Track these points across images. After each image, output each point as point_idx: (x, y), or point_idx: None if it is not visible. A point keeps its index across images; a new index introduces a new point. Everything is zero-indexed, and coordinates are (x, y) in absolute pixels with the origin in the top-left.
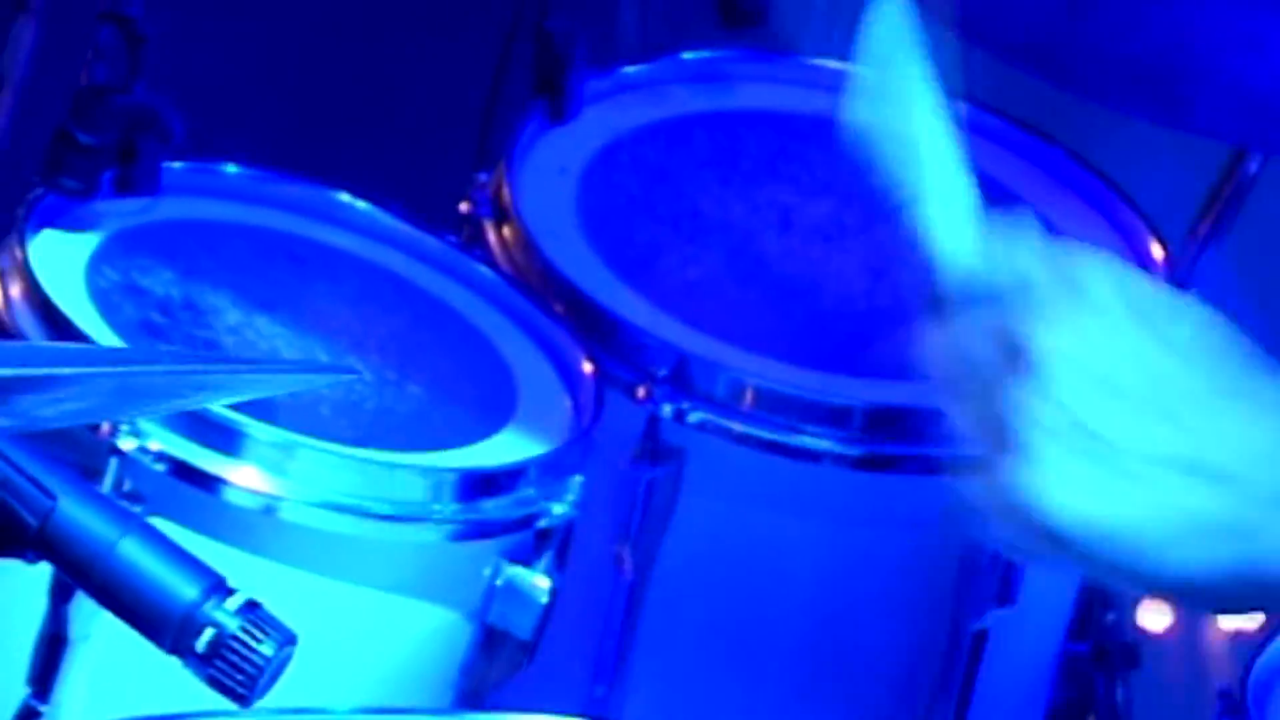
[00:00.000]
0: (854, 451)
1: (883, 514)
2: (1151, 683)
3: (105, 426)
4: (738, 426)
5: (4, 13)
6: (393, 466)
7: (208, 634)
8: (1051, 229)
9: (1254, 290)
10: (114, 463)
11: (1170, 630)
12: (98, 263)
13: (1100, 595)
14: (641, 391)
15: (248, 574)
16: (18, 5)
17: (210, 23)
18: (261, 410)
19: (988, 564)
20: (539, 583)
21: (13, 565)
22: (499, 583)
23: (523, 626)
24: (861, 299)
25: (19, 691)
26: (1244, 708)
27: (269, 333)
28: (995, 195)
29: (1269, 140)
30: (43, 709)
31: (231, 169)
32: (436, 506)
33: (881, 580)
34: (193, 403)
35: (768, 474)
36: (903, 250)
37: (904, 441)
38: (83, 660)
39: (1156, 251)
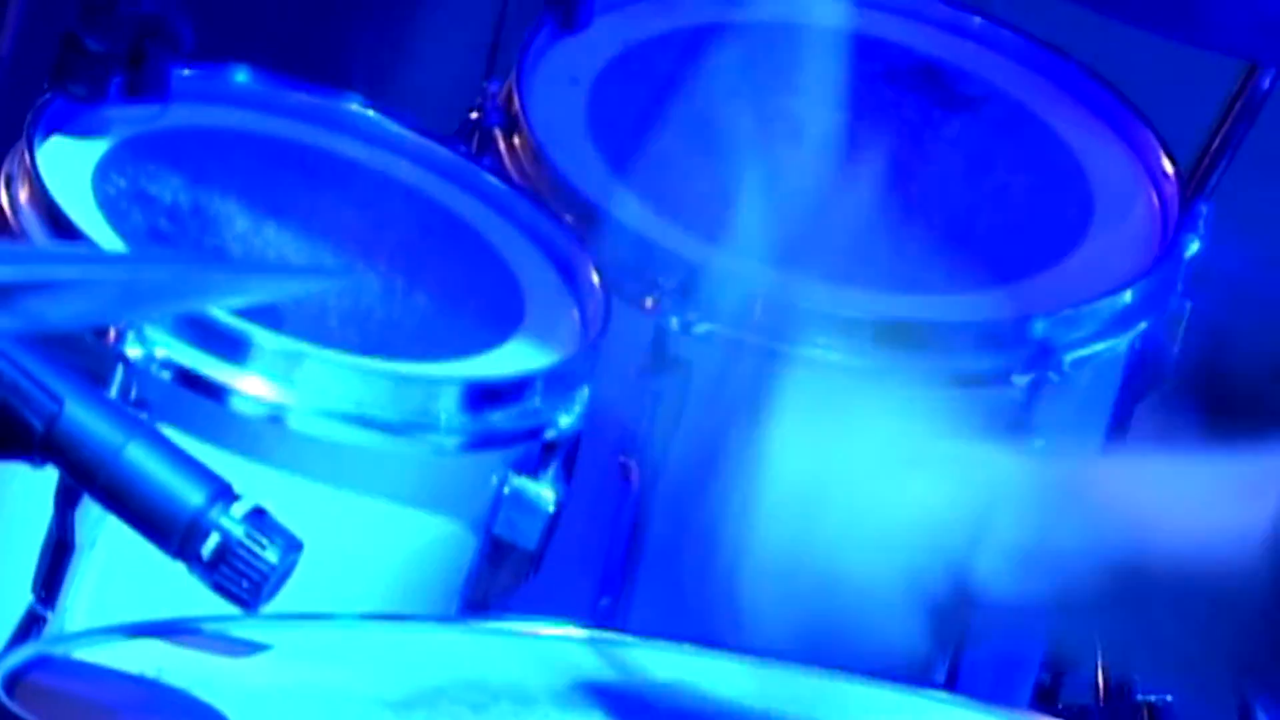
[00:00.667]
0: (864, 364)
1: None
2: None
3: (112, 334)
4: (746, 338)
5: None
6: (399, 377)
7: (213, 540)
8: (1064, 144)
9: (1263, 205)
10: (120, 370)
11: None
12: (105, 169)
13: None
14: (649, 302)
15: (254, 482)
16: None
17: None
18: (268, 320)
19: None
20: (545, 493)
21: (19, 469)
22: (505, 493)
23: (528, 537)
24: (871, 211)
25: (24, 597)
26: None
27: (277, 240)
28: (1010, 111)
29: None
30: (48, 614)
31: (241, 75)
32: (443, 417)
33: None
34: (197, 305)
35: (776, 386)
36: (914, 163)
37: (914, 354)
38: (88, 566)
39: (1168, 166)
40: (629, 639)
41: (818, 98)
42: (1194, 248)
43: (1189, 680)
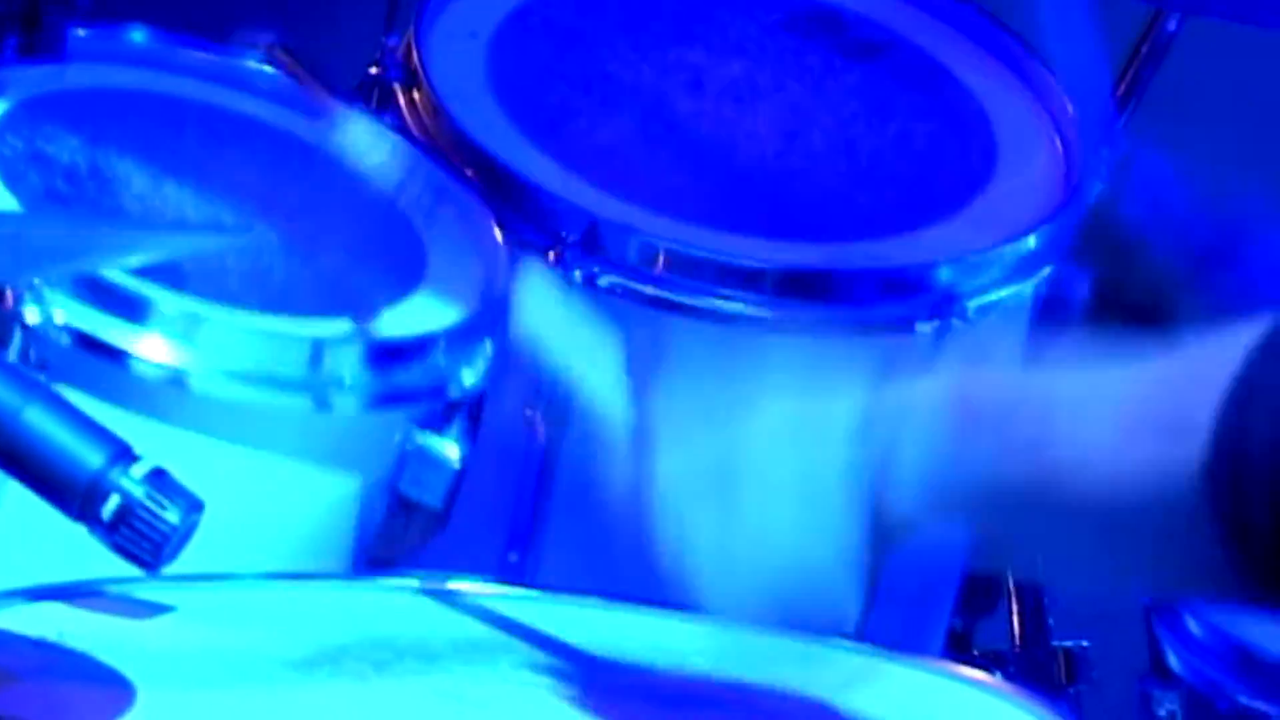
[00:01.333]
0: (767, 314)
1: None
2: None
3: (9, 296)
4: (649, 290)
5: None
6: (300, 336)
7: (114, 501)
8: (967, 91)
9: (1170, 148)
10: (19, 333)
11: None
12: (1, 131)
13: None
14: (552, 256)
15: (156, 443)
16: None
17: None
18: (168, 280)
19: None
20: (450, 451)
21: None
22: (410, 450)
23: (434, 494)
24: (774, 160)
25: None
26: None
27: (176, 200)
28: (912, 58)
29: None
30: None
31: (138, 35)
32: (346, 376)
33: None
34: (95, 266)
35: (680, 338)
36: (815, 111)
37: (817, 304)
38: None
39: (1069, 110)
40: (536, 593)
41: (717, 48)
42: (1096, 190)
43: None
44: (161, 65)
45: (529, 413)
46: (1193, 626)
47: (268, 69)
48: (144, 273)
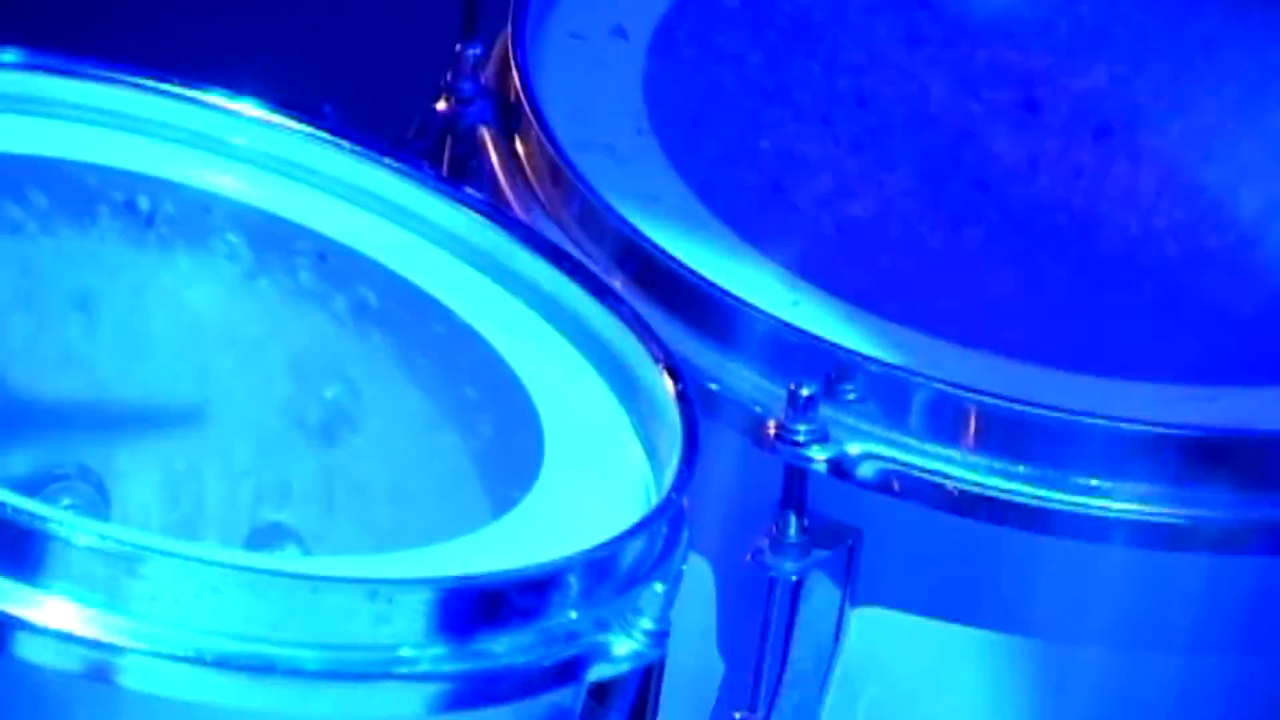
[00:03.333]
0: (1188, 519)
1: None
2: None
3: None
4: (954, 480)
5: None
6: (318, 583)
7: None
8: None
9: None
10: None
11: None
12: None
13: None
14: (772, 427)
15: None
16: None
17: None
18: (90, 494)
19: None
20: None
21: None
22: None
23: None
24: (1160, 243)
25: None
26: None
27: (82, 353)
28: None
29: None
30: None
31: (14, 57)
32: (405, 652)
33: None
34: None
35: (1023, 567)
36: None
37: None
38: None
39: None
40: None
41: (1054, 48)
42: None
43: None
44: (51, 103)
45: (744, 715)
46: None
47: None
48: (33, 487)
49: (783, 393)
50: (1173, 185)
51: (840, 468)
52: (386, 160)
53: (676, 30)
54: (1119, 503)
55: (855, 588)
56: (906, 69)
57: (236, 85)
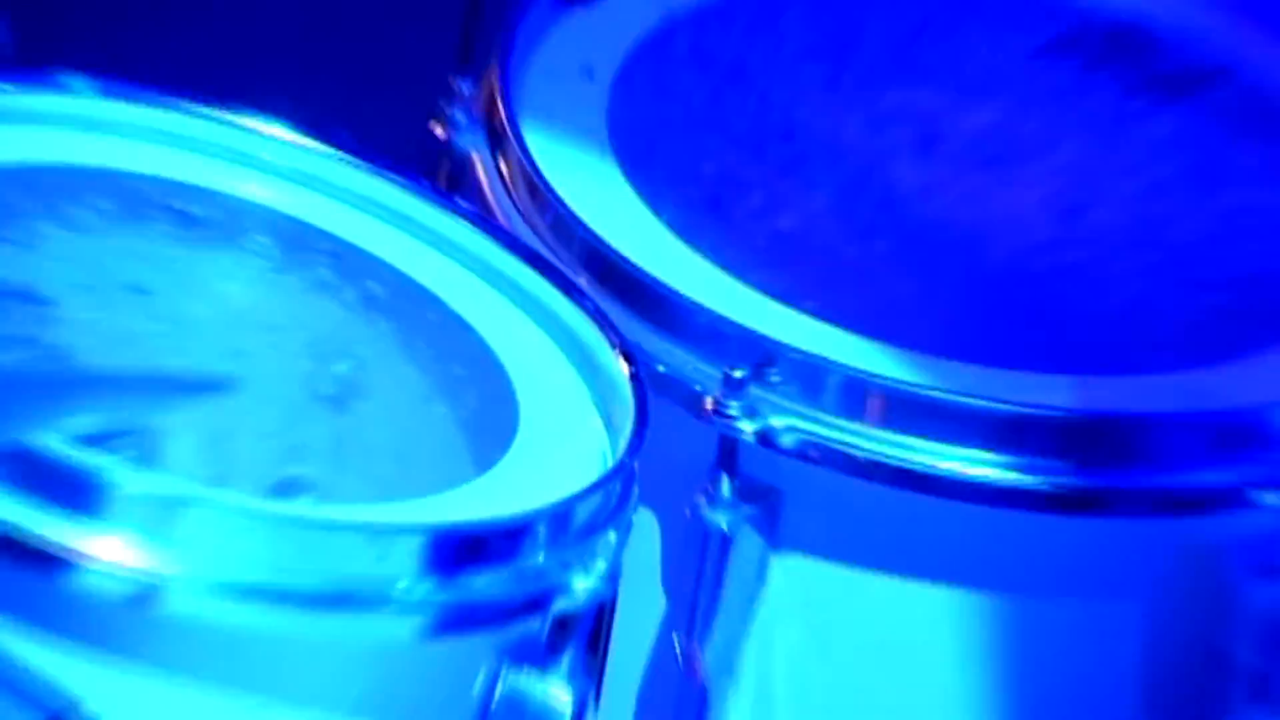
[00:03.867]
0: (1034, 483)
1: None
2: None
3: None
4: (860, 449)
5: None
6: (330, 527)
7: None
8: None
9: None
10: None
11: None
12: None
13: None
14: (709, 403)
15: (115, 691)
16: None
17: None
18: (144, 448)
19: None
20: (558, 694)
21: None
22: (498, 694)
23: None
24: (1042, 255)
25: None
26: None
27: (140, 333)
28: (1246, 96)
29: None
30: None
31: (77, 86)
32: (401, 585)
33: (1077, 672)
34: (23, 431)
35: (906, 519)
36: (1101, 179)
37: (1108, 469)
38: None
39: None
40: None
41: (953, 87)
42: None
43: None
44: (113, 127)
45: (675, 638)
46: None
47: (271, 128)
48: (95, 441)
49: (718, 375)
50: (1044, 208)
51: (766, 438)
52: (391, 175)
53: (635, 72)
54: (994, 470)
55: (777, 538)
56: (826, 107)
57: (267, 110)
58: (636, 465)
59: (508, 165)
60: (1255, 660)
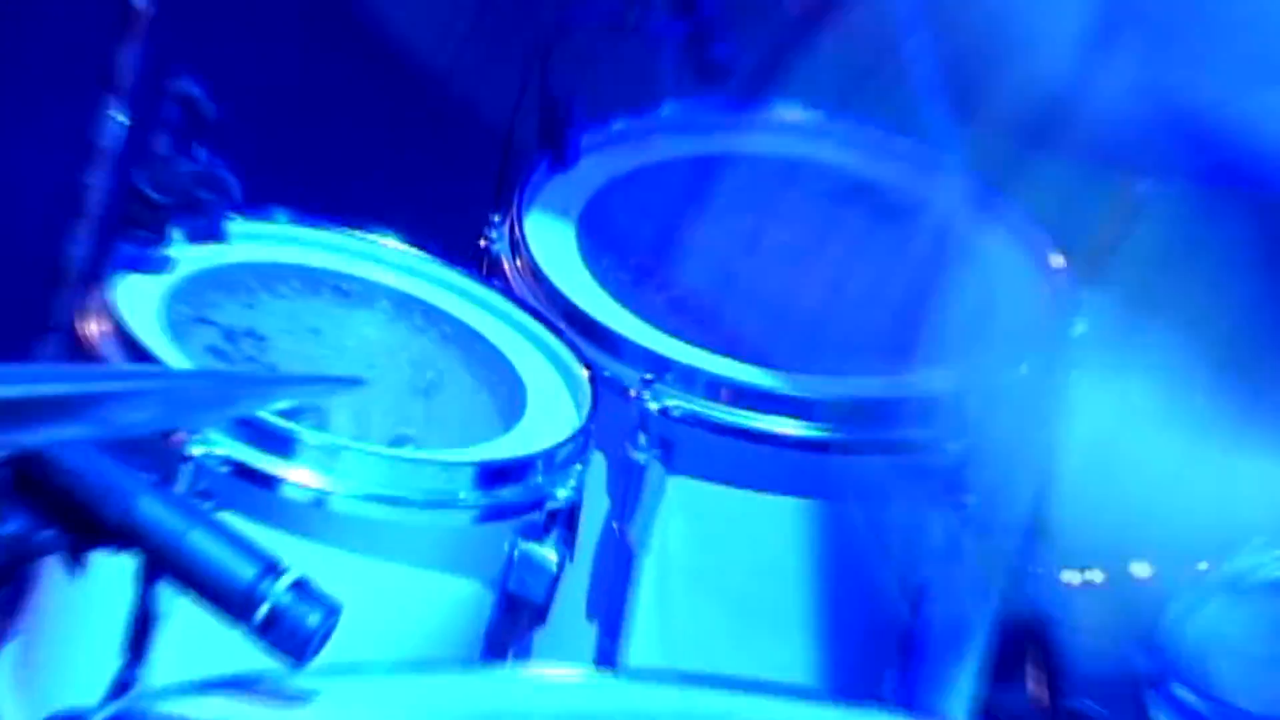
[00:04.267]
0: (816, 437)
1: (840, 489)
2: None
3: (179, 436)
4: (718, 417)
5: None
6: (422, 461)
7: (264, 608)
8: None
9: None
10: (187, 467)
11: (1089, 585)
12: (173, 299)
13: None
14: (633, 392)
15: (301, 557)
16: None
17: (260, 101)
18: (311, 419)
19: (928, 528)
20: (549, 555)
21: (104, 556)
22: (516, 556)
23: (537, 592)
24: (819, 308)
25: (115, 662)
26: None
27: (317, 355)
28: (913, 210)
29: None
30: (134, 675)
31: (282, 218)
32: (462, 495)
33: (839, 543)
34: (250, 410)
35: (740, 460)
36: (852, 266)
37: (857, 428)
38: (165, 634)
39: (1057, 262)
40: (621, 676)
41: (771, 215)
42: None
43: None
44: (302, 241)
45: (616, 522)
46: (1184, 694)
47: (395, 243)
48: (291, 414)
49: (638, 377)
50: (808, 279)
51: (664, 411)
52: (456, 267)
53: (593, 210)
54: (791, 428)
55: (672, 468)
56: (701, 227)
57: (385, 227)
58: (592, 427)
59: (520, 262)
60: (922, 568)
